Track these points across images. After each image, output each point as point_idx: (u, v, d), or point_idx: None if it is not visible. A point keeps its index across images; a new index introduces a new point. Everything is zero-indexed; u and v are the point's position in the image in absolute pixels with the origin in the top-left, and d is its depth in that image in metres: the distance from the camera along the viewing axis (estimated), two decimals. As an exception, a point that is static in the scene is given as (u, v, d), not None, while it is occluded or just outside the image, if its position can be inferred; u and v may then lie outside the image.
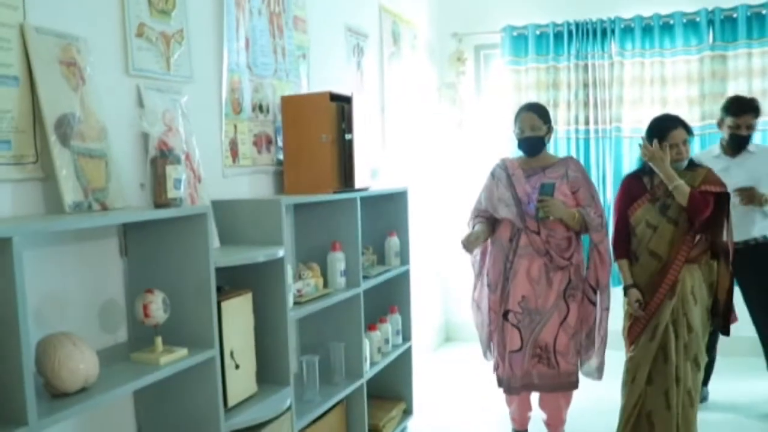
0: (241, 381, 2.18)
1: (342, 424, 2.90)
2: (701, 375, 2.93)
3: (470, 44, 4.89)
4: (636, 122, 4.40)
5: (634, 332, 2.93)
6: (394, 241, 3.36)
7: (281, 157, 2.83)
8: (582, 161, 4.34)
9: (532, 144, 3.08)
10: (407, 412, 3.49)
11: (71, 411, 1.53)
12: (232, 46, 2.58)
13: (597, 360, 3.11)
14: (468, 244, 3.06)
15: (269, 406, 2.24)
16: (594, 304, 3.06)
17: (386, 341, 3.28)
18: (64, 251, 1.89)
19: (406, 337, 3.46)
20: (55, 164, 1.77)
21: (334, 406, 2.82)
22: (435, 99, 4.82)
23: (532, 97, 4.61)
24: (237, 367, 2.14)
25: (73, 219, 1.71)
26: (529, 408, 3.27)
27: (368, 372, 3.02)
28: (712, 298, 2.95)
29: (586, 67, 4.52)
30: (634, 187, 3.02)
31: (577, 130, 4.54)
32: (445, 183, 4.94)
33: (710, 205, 2.84)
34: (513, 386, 3.06)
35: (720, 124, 3.60)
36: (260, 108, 2.78)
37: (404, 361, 3.47)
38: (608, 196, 4.44)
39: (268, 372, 2.38)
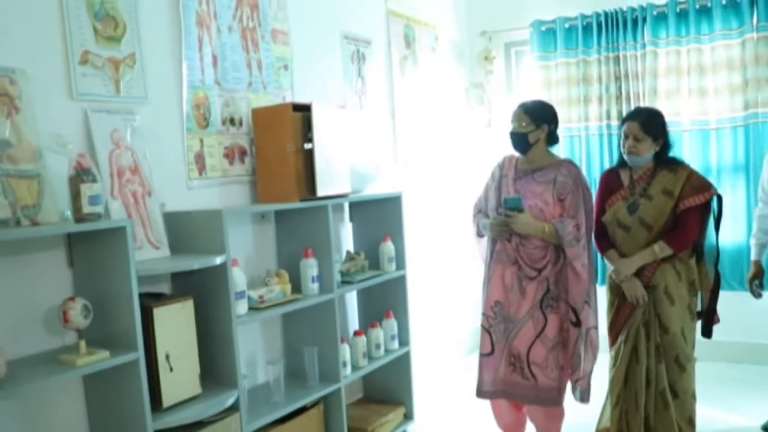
0: (179, 383, 2.31)
1: (319, 426, 2.97)
2: (687, 376, 2.81)
3: (500, 42, 4.79)
4: (673, 115, 4.12)
5: (615, 330, 2.92)
6: (388, 247, 3.38)
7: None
8: (617, 158, 4.13)
9: (513, 140, 2.94)
10: (408, 416, 3.50)
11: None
12: (194, 64, 2.72)
13: (583, 383, 2.92)
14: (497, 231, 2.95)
15: (210, 406, 2.35)
16: (574, 324, 2.84)
17: (377, 346, 3.31)
18: (8, 263, 2.10)
19: (404, 342, 3.47)
20: (-17, 185, 1.99)
21: (308, 408, 2.90)
22: (463, 99, 4.76)
23: (562, 94, 4.46)
24: (171, 369, 2.27)
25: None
26: (519, 418, 3.14)
27: (348, 376, 3.07)
28: (694, 297, 2.84)
29: (617, 59, 4.29)
30: (611, 181, 2.98)
31: (609, 126, 4.32)
32: (477, 183, 4.85)
33: (695, 229, 2.81)
34: (482, 390, 2.99)
35: None
36: (231, 121, 2.91)
37: (403, 366, 3.48)
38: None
39: (217, 375, 2.50)
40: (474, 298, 4.82)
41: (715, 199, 2.84)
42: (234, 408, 2.47)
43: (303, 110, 2.84)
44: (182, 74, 2.67)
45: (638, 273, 2.83)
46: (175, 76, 2.65)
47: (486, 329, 2.97)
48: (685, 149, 4.14)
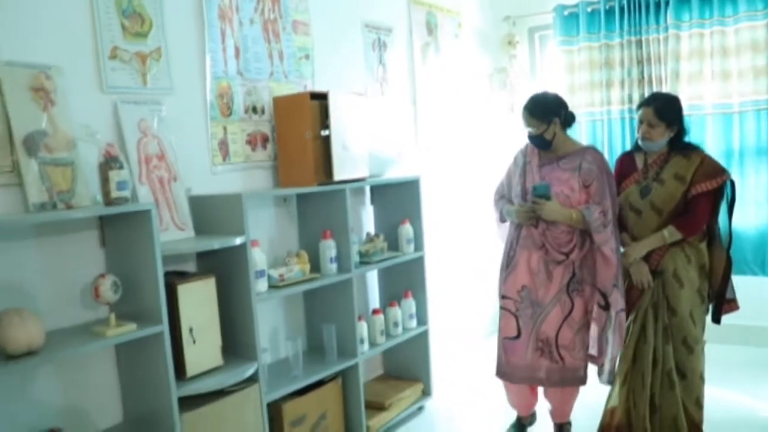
0: (202, 355, 2.49)
1: (337, 399, 3.13)
2: (695, 357, 2.86)
3: (524, 27, 4.83)
4: (695, 98, 4.13)
5: (626, 312, 2.92)
6: (406, 229, 3.51)
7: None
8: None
9: (533, 142, 2.98)
10: (426, 392, 3.65)
11: (6, 369, 1.92)
12: (217, 56, 2.88)
13: (609, 366, 2.99)
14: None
15: (231, 377, 2.53)
16: (603, 308, 2.90)
17: (395, 324, 3.45)
18: (47, 243, 2.31)
19: (422, 321, 3.61)
20: (23, 172, 2.18)
21: (326, 382, 3.07)
22: (486, 85, 4.83)
23: (585, 78, 4.50)
24: (194, 342, 2.46)
25: (16, 218, 2.10)
26: (531, 398, 3.21)
27: (365, 352, 3.22)
28: (705, 280, 2.88)
29: (639, 42, 4.29)
30: (625, 164, 3.03)
31: (630, 110, 4.33)
32: (500, 168, 4.93)
33: (705, 214, 2.84)
34: (505, 372, 3.05)
35: None
36: (254, 109, 3.06)
37: (421, 345, 3.63)
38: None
39: (238, 348, 2.68)
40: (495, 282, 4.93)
41: (728, 184, 2.86)
42: (253, 379, 2.64)
43: (321, 98, 2.97)
44: (206, 66, 2.83)
45: (647, 257, 2.88)
46: (199, 68, 2.82)
47: (512, 313, 3.00)
48: (707, 133, 4.15)
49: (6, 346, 1.96)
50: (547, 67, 4.89)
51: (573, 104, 4.51)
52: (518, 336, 3.00)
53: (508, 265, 3.07)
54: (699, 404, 2.90)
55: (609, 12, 4.37)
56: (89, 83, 2.43)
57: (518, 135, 4.85)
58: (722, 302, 2.92)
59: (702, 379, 2.92)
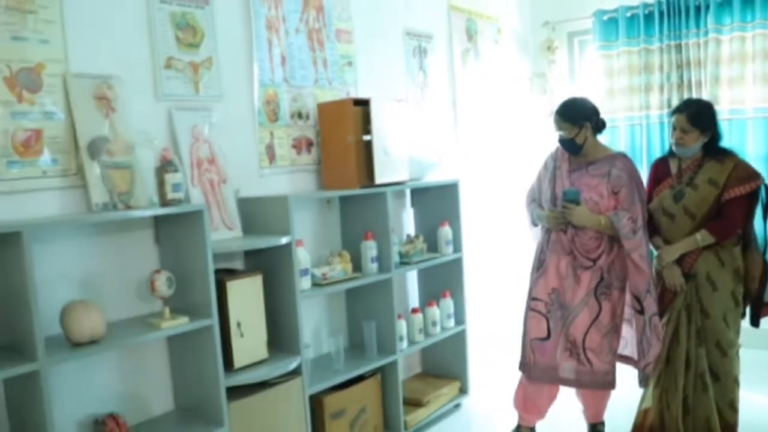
0: (249, 348, 2.63)
1: (376, 394, 3.24)
2: (729, 360, 2.88)
3: (563, 32, 4.88)
4: (737, 102, 4.12)
5: (659, 314, 2.96)
6: (445, 231, 3.61)
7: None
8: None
9: (564, 146, 3.01)
10: (462, 390, 3.73)
11: (72, 355, 2.10)
12: (264, 65, 3.02)
13: (649, 369, 2.97)
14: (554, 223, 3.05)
15: (275, 369, 2.67)
16: (639, 312, 2.92)
17: (434, 323, 3.55)
18: (108, 240, 2.48)
19: (460, 321, 3.70)
20: (87, 175, 2.36)
21: (366, 378, 3.18)
22: (526, 90, 4.89)
23: (624, 82, 4.52)
24: (242, 335, 2.60)
25: (84, 217, 2.28)
26: (545, 402, 3.16)
27: (404, 350, 3.32)
28: (739, 284, 2.90)
29: (678, 47, 4.30)
30: (660, 169, 3.07)
31: (670, 115, 4.31)
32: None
33: (738, 218, 2.86)
34: (532, 374, 3.07)
35: None
36: (299, 115, 3.20)
37: (458, 343, 3.72)
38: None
39: (282, 342, 2.82)
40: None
41: (762, 188, 2.88)
42: (296, 372, 2.77)
43: (363, 104, 3.09)
44: (253, 74, 2.98)
45: (680, 260, 2.92)
46: (247, 76, 2.96)
47: (543, 315, 3.03)
48: (748, 137, 4.13)
49: (71, 334, 2.13)
50: (586, 72, 4.92)
51: (612, 109, 4.57)
52: (548, 337, 3.04)
53: (539, 267, 3.11)
54: (733, 407, 2.92)
55: (648, 17, 4.39)
56: (146, 91, 2.60)
57: (557, 141, 4.93)
58: (760, 306, 2.93)
59: (736, 382, 2.93)
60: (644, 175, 3.24)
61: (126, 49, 2.53)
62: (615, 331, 2.98)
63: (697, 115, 2.88)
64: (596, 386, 3.01)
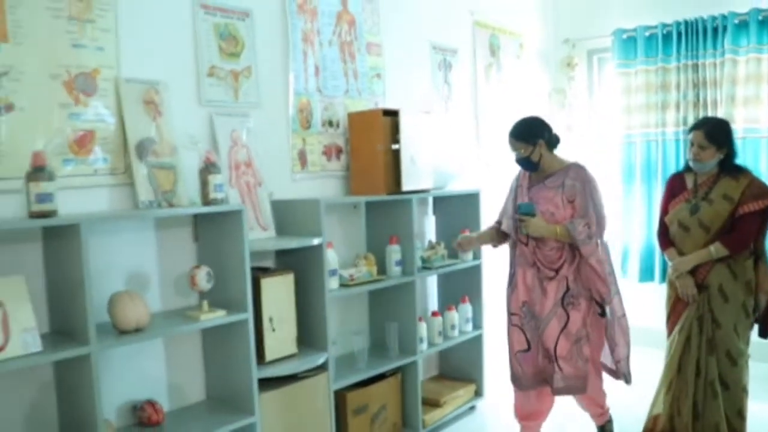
0: (279, 342, 2.77)
1: (396, 393, 3.37)
2: (738, 369, 2.98)
3: (583, 49, 5.02)
4: (751, 121, 4.24)
5: (672, 323, 3.13)
6: (466, 238, 3.74)
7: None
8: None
9: (521, 165, 3.10)
10: (478, 393, 3.85)
11: (119, 342, 2.25)
12: (299, 75, 3.18)
13: (622, 365, 3.09)
14: (459, 244, 3.28)
15: (304, 363, 2.80)
16: (601, 315, 3.02)
17: (452, 327, 3.67)
18: (150, 236, 2.64)
19: (477, 326, 3.82)
20: (134, 174, 2.51)
21: (387, 376, 3.31)
22: (546, 103, 5.03)
23: (641, 100, 4.64)
24: (274, 330, 2.74)
25: (134, 212, 2.44)
26: (538, 405, 3.22)
27: (424, 351, 3.45)
28: (750, 296, 2.99)
29: (695, 66, 4.43)
30: (676, 184, 3.19)
31: (686, 131, 4.44)
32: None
33: (751, 232, 2.96)
34: (524, 384, 3.14)
35: None
36: (330, 123, 3.35)
37: (475, 347, 3.85)
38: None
39: (310, 338, 2.95)
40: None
41: None
42: (323, 367, 2.91)
43: (392, 115, 3.24)
44: (289, 83, 3.14)
45: (693, 272, 3.03)
46: (283, 85, 3.12)
47: (519, 327, 3.12)
48: (762, 155, 4.24)
49: (118, 322, 2.28)
50: (604, 89, 5.06)
51: (629, 125, 4.70)
52: (529, 348, 3.12)
53: (510, 282, 3.19)
54: (741, 415, 3.01)
55: (666, 36, 4.52)
56: (189, 97, 2.76)
57: (574, 153, 5.06)
58: None
59: (745, 391, 3.03)
60: (657, 190, 3.34)
61: (172, 57, 2.69)
62: (586, 338, 3.03)
63: (714, 132, 2.99)
64: (569, 392, 3.07)
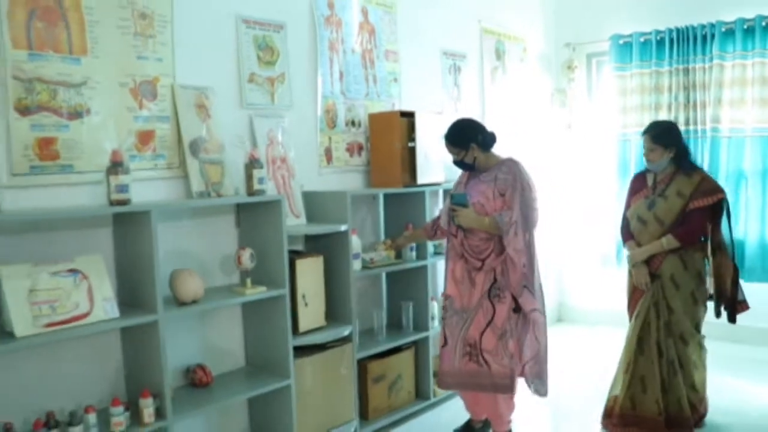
0: (311, 316, 3.16)
1: (410, 364, 3.77)
2: (693, 349, 3.31)
3: (583, 53, 5.40)
4: (736, 122, 4.61)
5: (631, 309, 3.42)
6: (473, 227, 4.12)
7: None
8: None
9: (457, 165, 3.24)
10: (484, 367, 4.24)
11: (181, 312, 2.65)
12: (326, 79, 3.57)
13: (530, 368, 3.14)
14: (391, 244, 3.51)
15: (331, 335, 3.20)
16: (515, 310, 3.09)
17: (461, 307, 4.06)
18: (199, 222, 3.03)
19: (483, 306, 4.20)
20: (188, 168, 2.90)
21: (403, 349, 3.71)
22: (547, 104, 5.41)
23: (636, 101, 5.01)
24: (306, 305, 3.13)
25: (194, 201, 2.83)
26: (475, 406, 3.36)
27: (435, 327, 3.83)
28: (701, 285, 3.30)
29: (686, 70, 4.79)
30: (637, 182, 3.49)
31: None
32: (558, 178, 5.50)
33: (700, 226, 3.24)
34: (442, 380, 3.23)
35: None
36: (352, 123, 3.74)
37: (481, 325, 4.23)
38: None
39: (337, 313, 3.35)
40: (551, 278, 5.48)
41: (725, 201, 3.26)
42: (348, 339, 3.31)
43: (408, 116, 3.63)
44: (317, 87, 3.53)
45: (648, 262, 3.31)
46: (311, 89, 3.51)
47: (442, 321, 3.29)
48: (746, 153, 4.61)
49: (178, 295, 2.68)
50: (602, 90, 5.44)
51: (624, 124, 5.07)
52: (445, 344, 3.22)
53: (445, 277, 3.32)
54: (695, 388, 3.35)
55: (660, 42, 4.89)
56: (233, 101, 3.15)
57: (574, 151, 5.45)
58: (735, 304, 3.31)
59: (695, 366, 3.35)
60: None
61: (219, 66, 3.08)
62: (511, 333, 3.09)
63: (660, 135, 3.29)
64: (496, 389, 3.11)
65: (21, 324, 2.23)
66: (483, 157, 3.17)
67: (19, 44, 2.40)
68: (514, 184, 3.07)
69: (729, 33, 4.64)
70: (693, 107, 4.79)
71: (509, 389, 3.11)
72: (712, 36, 4.69)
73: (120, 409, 2.44)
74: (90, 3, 2.59)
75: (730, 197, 4.56)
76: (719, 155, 4.72)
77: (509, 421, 3.31)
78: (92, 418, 2.39)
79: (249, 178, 2.95)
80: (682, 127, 4.76)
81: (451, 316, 3.20)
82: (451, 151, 3.19)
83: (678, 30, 4.80)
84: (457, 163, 3.21)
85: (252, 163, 2.94)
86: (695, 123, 4.80)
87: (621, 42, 5.06)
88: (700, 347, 3.37)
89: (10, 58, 2.38)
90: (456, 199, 3.16)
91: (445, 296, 3.25)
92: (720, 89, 4.68)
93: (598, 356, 4.60)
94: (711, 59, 4.71)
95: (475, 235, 3.12)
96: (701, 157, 4.76)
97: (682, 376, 3.32)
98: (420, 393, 3.84)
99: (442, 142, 3.22)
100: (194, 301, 2.72)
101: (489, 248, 3.10)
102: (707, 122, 4.75)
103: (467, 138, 3.14)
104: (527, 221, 3.05)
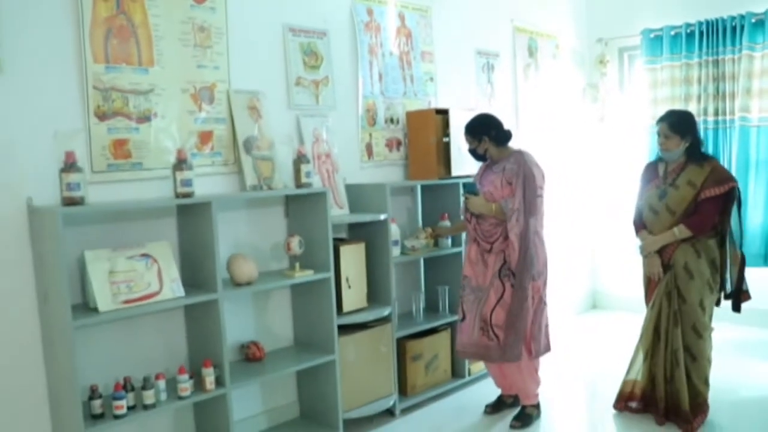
0: (354, 297, 3.47)
1: (446, 345, 4.04)
2: (703, 342, 3.30)
3: (614, 47, 5.55)
4: (765, 111, 4.72)
5: (649, 298, 3.46)
6: (506, 216, 4.36)
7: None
8: (711, 151, 4.82)
9: (471, 154, 3.56)
10: (518, 350, 4.48)
11: (237, 292, 2.98)
12: (367, 81, 3.86)
13: (534, 343, 3.40)
14: (432, 232, 3.78)
15: (372, 315, 3.50)
16: (514, 287, 3.32)
17: (494, 291, 4.31)
18: (252, 212, 3.36)
19: (516, 291, 4.44)
20: (242, 164, 3.23)
21: (438, 330, 3.98)
22: (579, 98, 5.59)
23: (666, 93, 5.15)
24: (350, 287, 3.44)
25: (248, 194, 3.16)
26: (502, 379, 3.64)
27: (470, 310, 4.10)
28: (715, 273, 3.31)
29: (716, 62, 4.91)
30: (649, 172, 3.52)
31: (705, 121, 4.94)
32: (592, 169, 5.68)
33: (712, 215, 3.24)
34: (459, 350, 3.55)
35: None
36: (391, 120, 4.02)
37: (515, 310, 4.47)
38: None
39: (378, 295, 3.65)
40: (585, 265, 5.67)
41: (736, 189, 3.28)
42: (388, 319, 3.60)
43: (442, 113, 3.89)
44: (358, 88, 3.82)
45: (661, 252, 3.33)
46: (353, 90, 3.80)
47: (461, 298, 3.56)
48: (775, 142, 4.74)
49: (235, 277, 3.01)
50: (634, 83, 5.59)
51: (655, 115, 5.12)
52: (464, 318, 3.52)
53: (464, 259, 3.65)
54: (707, 383, 3.36)
55: (690, 35, 5.02)
56: (281, 103, 3.46)
57: (606, 143, 5.61)
58: (740, 294, 3.38)
59: (709, 361, 3.36)
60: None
61: (268, 71, 3.40)
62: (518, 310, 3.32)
63: (677, 123, 3.29)
64: (506, 359, 3.37)
65: (103, 300, 2.59)
66: (495, 150, 3.46)
67: (98, 59, 2.76)
68: (518, 173, 3.32)
69: (759, 24, 4.74)
70: (722, 98, 4.91)
71: (516, 358, 3.35)
72: (742, 27, 4.79)
73: (185, 376, 2.78)
74: (156, 20, 2.93)
75: (760, 185, 4.76)
76: (749, 144, 4.82)
77: (536, 395, 3.57)
78: (161, 384, 2.74)
79: (297, 172, 3.26)
80: (711, 118, 4.98)
81: (469, 294, 3.51)
82: (466, 140, 3.53)
83: (708, 22, 4.92)
84: (471, 151, 3.54)
85: (299, 159, 3.25)
86: (724, 113, 4.92)
87: (652, 36, 5.21)
88: (711, 340, 3.38)
89: (91, 71, 2.74)
90: (468, 188, 3.52)
91: (463, 276, 3.56)
92: (749, 80, 4.78)
93: (631, 342, 4.75)
94: (740, 50, 4.81)
95: (485, 220, 3.42)
96: (730, 147, 4.88)
97: (693, 370, 3.30)
98: (456, 372, 4.10)
99: (464, 132, 3.53)
100: (249, 283, 3.04)
101: (498, 233, 3.39)
102: (736, 112, 4.86)
103: (481, 131, 3.46)
104: (529, 208, 3.30)
